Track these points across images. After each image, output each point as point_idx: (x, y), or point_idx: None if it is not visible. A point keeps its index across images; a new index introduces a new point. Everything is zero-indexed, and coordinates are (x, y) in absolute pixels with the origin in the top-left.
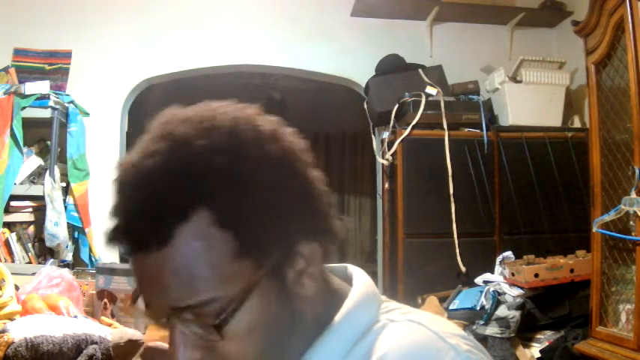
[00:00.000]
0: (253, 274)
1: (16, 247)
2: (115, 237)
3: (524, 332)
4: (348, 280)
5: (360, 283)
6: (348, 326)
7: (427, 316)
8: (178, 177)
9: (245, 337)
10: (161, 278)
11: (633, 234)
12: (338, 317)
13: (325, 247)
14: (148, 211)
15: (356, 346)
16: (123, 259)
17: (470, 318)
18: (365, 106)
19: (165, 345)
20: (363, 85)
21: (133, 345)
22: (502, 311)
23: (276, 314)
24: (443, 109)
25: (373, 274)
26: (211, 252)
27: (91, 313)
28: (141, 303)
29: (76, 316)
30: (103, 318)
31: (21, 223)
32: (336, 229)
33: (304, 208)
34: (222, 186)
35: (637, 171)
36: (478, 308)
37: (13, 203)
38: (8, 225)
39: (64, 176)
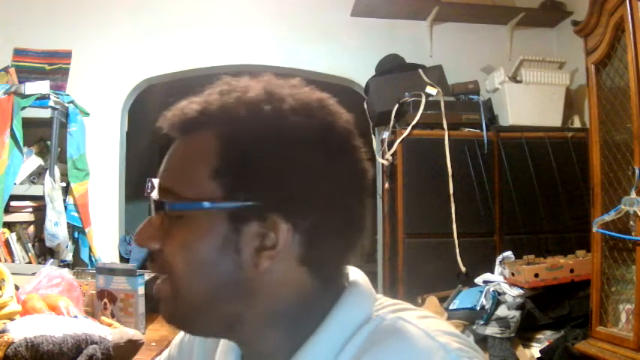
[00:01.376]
0: (215, 197)
1: (16, 247)
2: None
3: (524, 332)
4: (345, 278)
5: (355, 280)
6: (342, 323)
7: (418, 314)
8: (214, 102)
9: (178, 248)
10: (166, 159)
11: (633, 234)
12: (332, 314)
13: (312, 244)
14: (198, 109)
15: (348, 343)
16: (123, 259)
17: (470, 318)
18: (365, 105)
19: None
20: (363, 85)
21: (133, 345)
22: (502, 311)
23: (216, 260)
24: (443, 109)
25: (373, 274)
26: (200, 156)
27: (91, 313)
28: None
29: (76, 316)
30: (103, 318)
31: (21, 223)
32: (354, 226)
33: (307, 183)
34: (253, 126)
35: (637, 171)
36: (478, 308)
37: (13, 203)
38: (8, 225)
39: (64, 176)
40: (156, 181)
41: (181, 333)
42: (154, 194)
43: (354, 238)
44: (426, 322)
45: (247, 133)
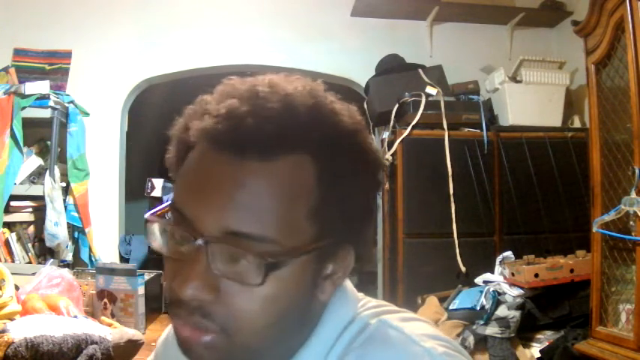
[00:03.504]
0: (311, 242)
1: (16, 247)
2: (215, 127)
3: (524, 332)
4: None
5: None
6: (332, 324)
7: (401, 316)
8: (310, 116)
9: (260, 300)
10: (235, 191)
11: (633, 234)
12: (325, 316)
13: (358, 256)
14: (275, 119)
15: (335, 344)
16: (123, 259)
17: (470, 318)
18: (365, 106)
19: None
20: (363, 85)
21: (133, 345)
22: (502, 311)
23: (298, 299)
24: (443, 109)
25: (373, 274)
26: (297, 195)
27: (91, 313)
28: (171, 217)
29: (76, 316)
30: (103, 318)
31: (21, 223)
32: (371, 240)
33: (366, 210)
34: (338, 153)
35: (637, 171)
36: (478, 308)
37: (13, 203)
38: (8, 225)
39: (64, 176)
40: (218, 216)
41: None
42: (232, 242)
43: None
44: (409, 326)
45: (343, 158)
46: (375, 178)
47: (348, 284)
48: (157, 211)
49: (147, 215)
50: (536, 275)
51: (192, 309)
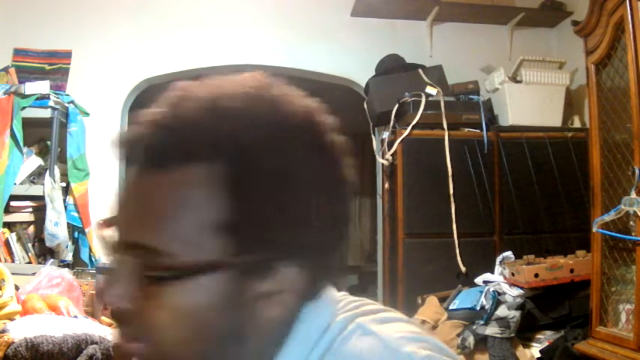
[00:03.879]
0: (222, 257)
1: (16, 247)
2: (126, 137)
3: (524, 332)
4: None
5: None
6: (302, 338)
7: (380, 317)
8: (213, 123)
9: (171, 312)
10: (136, 203)
11: (633, 234)
12: (294, 331)
13: (316, 278)
14: (172, 131)
15: (312, 353)
16: None
17: (470, 318)
18: (365, 106)
19: None
20: (363, 85)
21: None
22: (502, 311)
23: (220, 316)
24: (443, 109)
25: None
26: (200, 206)
27: (91, 313)
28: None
29: (76, 316)
30: (103, 318)
31: (21, 223)
32: (338, 255)
33: (318, 219)
34: (247, 162)
35: (637, 171)
36: (478, 308)
37: (13, 203)
38: (8, 225)
39: (64, 176)
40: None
41: None
42: (137, 254)
43: (345, 260)
44: (387, 329)
45: (260, 166)
46: (331, 179)
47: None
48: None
49: (99, 220)
50: (536, 275)
51: (116, 315)
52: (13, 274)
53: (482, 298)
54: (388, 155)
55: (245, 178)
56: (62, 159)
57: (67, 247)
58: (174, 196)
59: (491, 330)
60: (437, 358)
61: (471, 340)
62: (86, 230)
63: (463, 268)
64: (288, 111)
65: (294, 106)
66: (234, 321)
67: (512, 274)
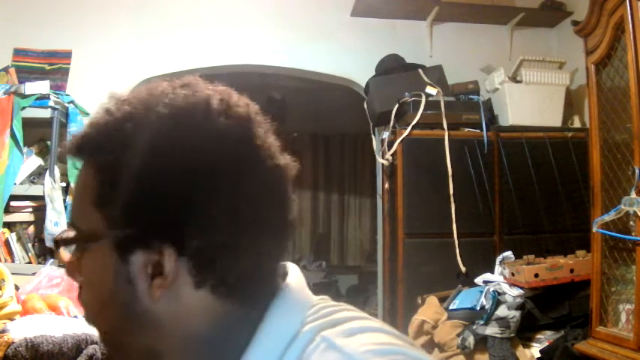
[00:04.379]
0: (100, 229)
1: (16, 247)
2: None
3: (524, 332)
4: (272, 287)
5: (289, 285)
6: (267, 346)
7: (348, 328)
8: (108, 125)
9: (85, 284)
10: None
11: (633, 234)
12: (256, 336)
13: (204, 266)
14: (87, 132)
15: None
16: None
17: (470, 318)
18: (365, 106)
19: None
20: (363, 85)
21: None
22: (502, 311)
23: (113, 293)
24: (443, 109)
25: (373, 274)
26: (87, 187)
27: None
28: None
29: (76, 316)
30: None
31: (21, 223)
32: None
33: (183, 203)
34: (118, 149)
35: (637, 171)
36: (478, 308)
37: (13, 203)
38: (8, 225)
39: (64, 176)
40: None
41: None
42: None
43: (268, 249)
44: (354, 342)
45: (115, 157)
46: (220, 160)
47: (294, 288)
48: None
49: None
50: (536, 275)
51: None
52: (13, 274)
53: (483, 298)
54: (388, 155)
55: (118, 164)
56: (62, 159)
57: None
58: (80, 181)
59: (491, 330)
60: None
61: (471, 340)
62: None
63: (463, 268)
64: (176, 103)
65: (182, 97)
66: (132, 298)
67: (512, 274)
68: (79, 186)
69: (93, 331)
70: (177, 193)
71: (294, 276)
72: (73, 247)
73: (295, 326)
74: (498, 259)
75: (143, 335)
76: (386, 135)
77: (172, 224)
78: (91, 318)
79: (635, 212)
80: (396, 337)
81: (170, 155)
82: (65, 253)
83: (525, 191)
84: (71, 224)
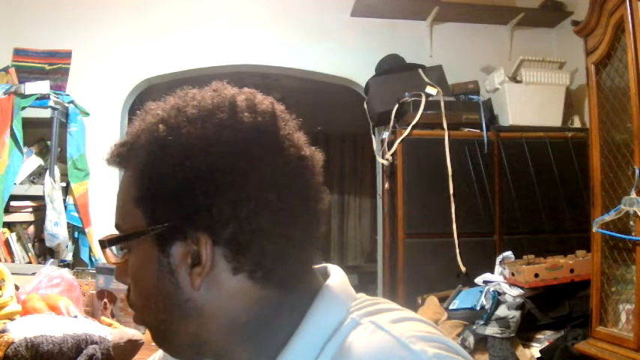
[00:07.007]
0: (142, 225)
1: (16, 247)
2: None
3: (524, 332)
4: (315, 279)
5: (332, 280)
6: (315, 330)
7: (394, 316)
8: (137, 134)
9: (132, 284)
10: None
11: (633, 234)
12: (304, 321)
13: (244, 244)
14: (127, 140)
15: (324, 349)
16: None
17: (470, 318)
18: (365, 106)
19: None
20: (363, 85)
21: (133, 345)
22: (502, 311)
23: (157, 286)
24: (443, 109)
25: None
26: (127, 189)
27: (91, 313)
28: None
29: (76, 316)
30: (103, 318)
31: (21, 223)
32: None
33: (213, 193)
34: (153, 149)
35: (637, 171)
36: (478, 308)
37: (13, 203)
38: (8, 225)
39: (64, 176)
40: None
41: None
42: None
43: (299, 235)
44: (400, 327)
45: (151, 157)
46: (253, 158)
47: (339, 283)
48: None
49: None
50: (536, 275)
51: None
52: (13, 274)
53: (483, 298)
54: (388, 155)
55: (154, 163)
56: (62, 159)
57: (67, 247)
58: (122, 185)
59: (491, 330)
60: (445, 357)
61: (471, 340)
62: (86, 230)
63: (463, 268)
64: (206, 104)
65: (211, 100)
66: (175, 288)
67: (512, 274)
68: (121, 189)
69: (93, 331)
70: (208, 185)
71: (338, 274)
72: (118, 246)
73: (342, 313)
74: (498, 259)
75: (188, 323)
76: (386, 135)
77: (206, 214)
78: (139, 317)
79: (635, 212)
80: (436, 329)
81: (200, 151)
82: (111, 254)
83: (525, 191)
84: (115, 225)
